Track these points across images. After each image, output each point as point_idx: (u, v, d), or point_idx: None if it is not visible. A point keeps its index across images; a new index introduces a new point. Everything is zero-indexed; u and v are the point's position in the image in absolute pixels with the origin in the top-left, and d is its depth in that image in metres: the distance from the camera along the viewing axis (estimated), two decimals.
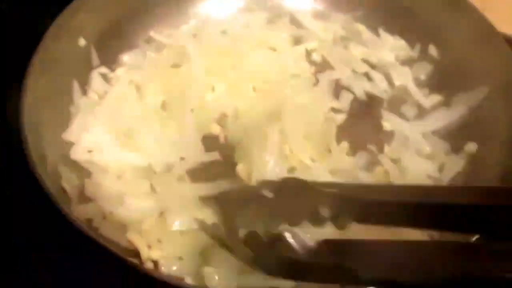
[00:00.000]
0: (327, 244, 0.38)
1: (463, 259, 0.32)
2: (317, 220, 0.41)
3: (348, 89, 0.64)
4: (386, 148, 0.58)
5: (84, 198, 0.52)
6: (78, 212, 0.49)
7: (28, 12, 0.68)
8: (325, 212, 0.41)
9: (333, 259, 0.37)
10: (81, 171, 0.54)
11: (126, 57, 0.66)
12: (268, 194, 0.44)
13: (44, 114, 0.52)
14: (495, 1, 0.69)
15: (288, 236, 0.39)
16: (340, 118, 0.60)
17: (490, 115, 0.57)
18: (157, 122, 0.58)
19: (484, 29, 0.60)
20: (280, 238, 0.39)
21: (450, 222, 0.36)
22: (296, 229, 0.41)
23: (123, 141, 0.56)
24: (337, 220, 0.40)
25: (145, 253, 0.49)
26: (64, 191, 0.51)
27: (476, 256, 0.32)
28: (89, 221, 0.50)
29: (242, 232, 0.43)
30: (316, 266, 0.37)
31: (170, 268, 0.48)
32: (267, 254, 0.39)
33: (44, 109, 0.52)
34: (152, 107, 0.60)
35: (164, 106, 0.60)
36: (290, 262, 0.38)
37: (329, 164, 0.54)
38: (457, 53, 0.63)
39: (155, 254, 0.50)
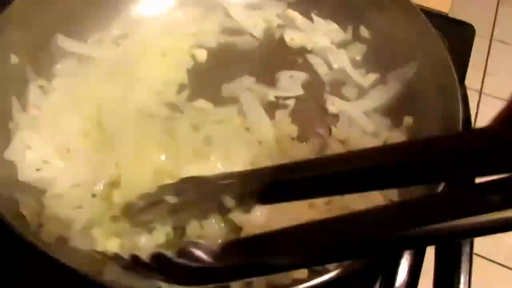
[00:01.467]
0: (232, 245, 0.38)
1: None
2: (223, 210, 0.43)
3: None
4: (334, 130, 0.61)
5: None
6: (46, 233, 0.49)
7: None
8: (228, 201, 0.43)
9: (242, 257, 0.37)
10: (35, 191, 0.53)
11: (59, 66, 0.63)
12: (170, 199, 0.46)
13: None
14: None
15: (193, 248, 0.37)
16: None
17: (422, 89, 0.61)
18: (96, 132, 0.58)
19: (406, 8, 0.64)
20: (185, 253, 0.38)
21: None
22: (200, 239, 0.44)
23: (65, 155, 0.55)
24: (242, 205, 0.42)
25: (102, 245, 0.50)
26: (22, 216, 0.50)
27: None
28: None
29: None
30: (227, 267, 0.37)
31: None
32: (177, 270, 0.38)
33: None
34: (89, 115, 0.59)
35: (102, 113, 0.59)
36: (202, 270, 0.37)
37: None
38: (385, 32, 0.67)
39: (112, 245, 0.51)
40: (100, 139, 0.57)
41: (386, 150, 0.39)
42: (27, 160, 0.53)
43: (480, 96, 1.69)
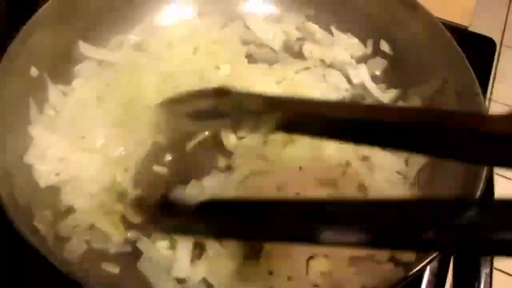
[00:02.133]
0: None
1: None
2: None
3: None
4: (354, 147, 0.60)
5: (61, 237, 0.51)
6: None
7: None
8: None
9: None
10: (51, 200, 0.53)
11: (78, 67, 0.63)
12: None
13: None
14: None
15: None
16: None
17: (444, 107, 0.61)
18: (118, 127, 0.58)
19: (428, 22, 0.63)
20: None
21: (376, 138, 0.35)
22: None
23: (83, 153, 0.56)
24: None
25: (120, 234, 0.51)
26: (37, 231, 0.49)
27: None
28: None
29: None
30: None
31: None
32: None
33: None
34: (111, 113, 0.59)
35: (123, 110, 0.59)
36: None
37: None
38: (407, 47, 0.66)
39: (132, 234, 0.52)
40: (118, 135, 0.58)
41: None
42: (46, 163, 0.54)
43: (489, 104, 1.68)
